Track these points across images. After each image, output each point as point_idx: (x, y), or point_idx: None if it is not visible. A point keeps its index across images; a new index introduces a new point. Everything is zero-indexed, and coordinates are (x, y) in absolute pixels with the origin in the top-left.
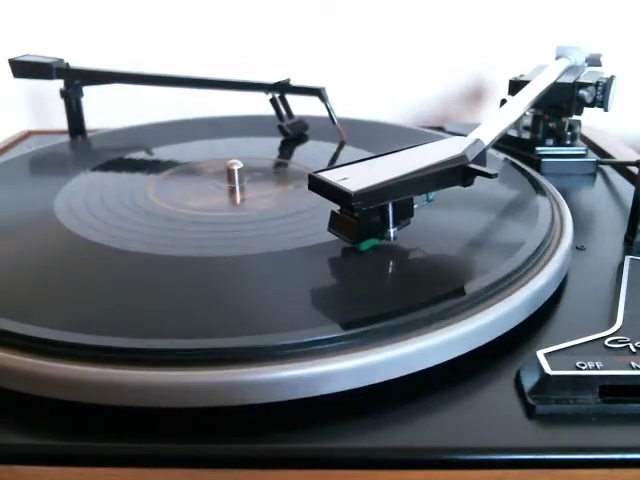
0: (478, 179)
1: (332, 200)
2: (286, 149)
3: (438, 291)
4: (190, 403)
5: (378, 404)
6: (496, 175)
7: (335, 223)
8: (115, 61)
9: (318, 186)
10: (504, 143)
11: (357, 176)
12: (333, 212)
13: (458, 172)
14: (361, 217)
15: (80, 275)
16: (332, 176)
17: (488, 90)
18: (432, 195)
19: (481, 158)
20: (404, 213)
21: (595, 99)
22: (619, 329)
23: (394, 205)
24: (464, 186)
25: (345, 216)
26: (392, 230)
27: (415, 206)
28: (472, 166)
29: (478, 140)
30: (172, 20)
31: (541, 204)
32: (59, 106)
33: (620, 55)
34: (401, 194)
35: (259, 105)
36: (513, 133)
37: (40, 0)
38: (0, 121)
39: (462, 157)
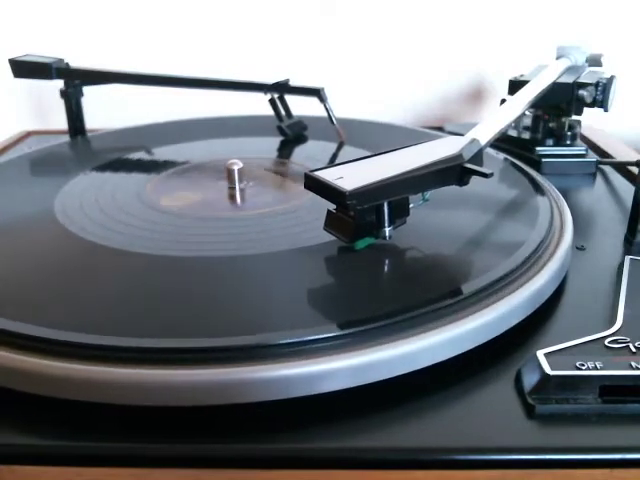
0: (478, 179)
1: (328, 199)
2: (286, 149)
3: (438, 290)
4: (190, 402)
5: (378, 404)
6: (492, 174)
7: (331, 222)
8: (115, 61)
9: (314, 185)
10: (504, 143)
11: (353, 175)
12: (329, 211)
13: (454, 171)
14: (356, 216)
15: (80, 275)
16: (328, 175)
17: (488, 90)
18: (428, 194)
19: (478, 158)
20: (400, 212)
21: (595, 99)
22: (619, 329)
23: (389, 204)
24: (460, 185)
25: (341, 215)
26: (387, 229)
27: (411, 205)
28: (468, 165)
29: (475, 140)
30: (172, 20)
31: (541, 204)
32: (59, 106)
33: (620, 55)
34: (396, 193)
35: (259, 105)
36: (513, 133)
37: (40, 0)
38: (0, 121)
39: (458, 156)
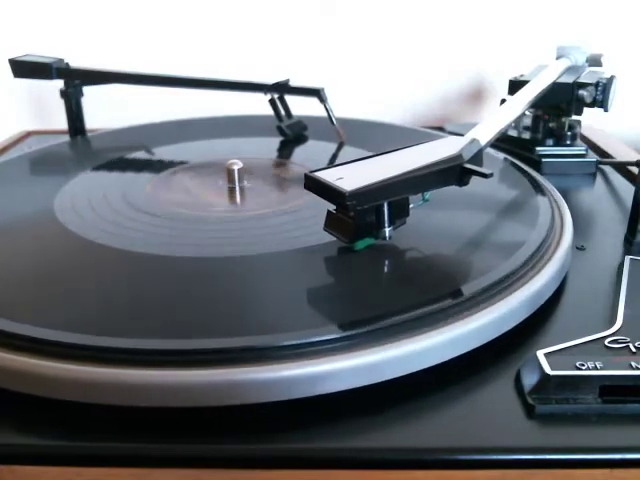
0: (478, 179)
1: (328, 199)
2: (286, 149)
3: (438, 291)
4: (190, 403)
5: (378, 404)
6: (491, 175)
7: (331, 222)
8: (115, 61)
9: (314, 185)
10: (504, 143)
11: (352, 175)
12: (329, 211)
13: (454, 172)
14: (356, 216)
15: (80, 275)
16: (328, 175)
17: (488, 90)
18: (428, 195)
19: (477, 158)
20: (400, 213)
21: (595, 99)
22: (619, 329)
23: (389, 205)
24: (460, 186)
25: (341, 215)
26: (387, 230)
27: (411, 206)
28: (467, 166)
29: (474, 140)
30: (172, 20)
31: (541, 204)
32: (59, 106)
33: (620, 55)
34: (396, 193)
35: (259, 105)
36: (513, 133)
37: (40, 0)
38: (0, 121)
39: (458, 157)
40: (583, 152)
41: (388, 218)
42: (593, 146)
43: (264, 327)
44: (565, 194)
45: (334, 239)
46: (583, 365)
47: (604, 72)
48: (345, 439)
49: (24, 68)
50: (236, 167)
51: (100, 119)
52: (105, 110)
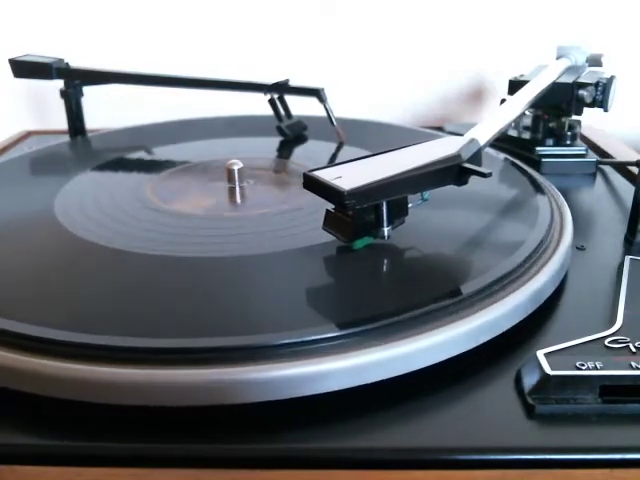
0: (478, 179)
1: (326, 199)
2: (286, 149)
3: (438, 290)
4: (189, 402)
5: (377, 404)
6: (490, 174)
7: (330, 221)
8: (115, 61)
9: (312, 185)
10: (504, 143)
11: (351, 175)
12: (328, 211)
13: (452, 171)
14: (355, 216)
15: (80, 275)
16: (326, 175)
17: (488, 90)
18: (427, 194)
19: (476, 157)
20: (398, 212)
21: (595, 99)
22: (619, 329)
23: (388, 204)
24: (458, 185)
25: (339, 215)
26: (386, 229)
27: (410, 205)
28: (466, 165)
29: (473, 139)
30: (172, 20)
31: (541, 204)
32: (59, 106)
33: (620, 55)
34: (395, 193)
35: (259, 105)
36: (513, 133)
37: (40, 0)
38: (0, 121)
39: (456, 156)
40: (583, 152)
41: (387, 217)
42: (593, 146)
43: (263, 326)
44: (565, 194)
45: (333, 239)
46: (583, 365)
47: (604, 72)
48: (345, 439)
49: (24, 68)
50: (236, 167)
51: (100, 119)
52: (105, 110)
